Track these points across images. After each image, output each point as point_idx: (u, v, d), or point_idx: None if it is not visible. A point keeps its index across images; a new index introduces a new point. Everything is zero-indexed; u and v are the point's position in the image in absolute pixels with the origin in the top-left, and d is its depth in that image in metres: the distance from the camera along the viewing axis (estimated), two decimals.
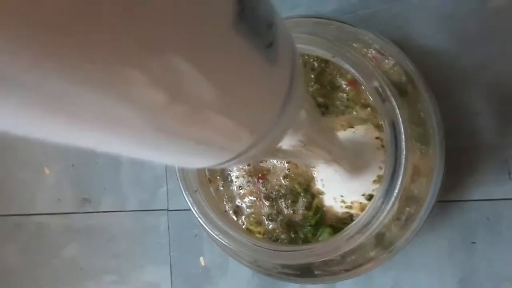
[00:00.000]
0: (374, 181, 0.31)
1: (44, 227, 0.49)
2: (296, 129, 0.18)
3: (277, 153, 0.19)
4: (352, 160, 0.29)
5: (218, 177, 0.33)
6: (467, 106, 0.36)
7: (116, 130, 0.10)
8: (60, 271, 0.49)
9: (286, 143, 0.18)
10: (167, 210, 0.45)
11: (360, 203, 0.32)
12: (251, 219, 0.32)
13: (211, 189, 0.34)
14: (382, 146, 0.32)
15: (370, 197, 0.30)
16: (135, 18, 0.08)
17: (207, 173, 0.35)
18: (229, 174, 0.33)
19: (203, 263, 0.43)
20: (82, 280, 0.48)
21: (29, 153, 0.49)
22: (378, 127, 0.32)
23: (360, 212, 0.31)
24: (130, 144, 0.11)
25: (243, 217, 0.33)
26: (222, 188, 0.33)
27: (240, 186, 0.33)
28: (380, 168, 0.32)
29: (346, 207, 0.32)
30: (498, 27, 0.35)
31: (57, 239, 0.49)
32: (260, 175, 0.33)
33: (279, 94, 0.14)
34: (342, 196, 0.32)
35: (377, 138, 0.32)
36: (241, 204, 0.33)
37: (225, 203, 0.33)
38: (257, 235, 0.31)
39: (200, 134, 0.12)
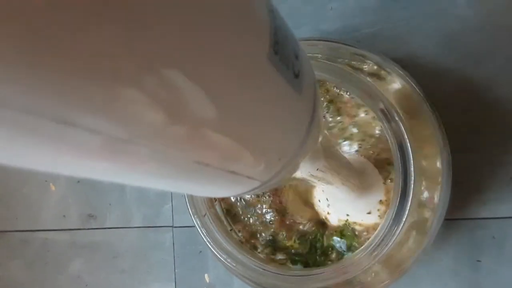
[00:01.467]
0: (380, 201, 0.31)
1: (49, 243, 0.49)
2: (315, 157, 0.18)
3: (293, 180, 0.20)
4: (357, 180, 0.29)
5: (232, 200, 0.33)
6: (472, 123, 0.36)
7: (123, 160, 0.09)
8: (65, 287, 0.49)
9: (305, 172, 0.18)
10: (172, 226, 0.45)
11: (364, 223, 0.32)
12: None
13: (219, 210, 0.34)
14: (387, 164, 0.32)
15: (376, 221, 0.30)
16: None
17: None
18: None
19: (208, 280, 0.43)
20: None
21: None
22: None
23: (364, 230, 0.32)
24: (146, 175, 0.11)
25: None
26: (239, 209, 0.34)
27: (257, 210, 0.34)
28: (385, 185, 0.32)
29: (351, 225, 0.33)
30: (501, 44, 0.35)
31: (62, 255, 0.49)
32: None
33: (305, 120, 0.14)
34: (347, 215, 0.32)
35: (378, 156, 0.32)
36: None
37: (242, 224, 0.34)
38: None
39: (233, 164, 0.12)
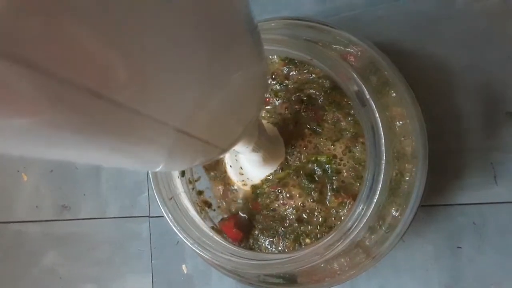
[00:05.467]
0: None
1: (22, 235, 0.48)
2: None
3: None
4: (271, 147, 0.31)
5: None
6: (453, 109, 0.35)
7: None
8: (38, 280, 0.47)
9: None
10: (149, 216, 0.44)
11: None
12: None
13: (194, 196, 0.33)
14: None
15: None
16: None
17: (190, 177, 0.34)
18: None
19: (185, 271, 0.42)
20: None
21: (6, 159, 0.48)
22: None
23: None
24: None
25: None
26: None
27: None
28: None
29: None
30: (483, 30, 0.34)
31: (35, 247, 0.47)
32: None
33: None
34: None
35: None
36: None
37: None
38: None
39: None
